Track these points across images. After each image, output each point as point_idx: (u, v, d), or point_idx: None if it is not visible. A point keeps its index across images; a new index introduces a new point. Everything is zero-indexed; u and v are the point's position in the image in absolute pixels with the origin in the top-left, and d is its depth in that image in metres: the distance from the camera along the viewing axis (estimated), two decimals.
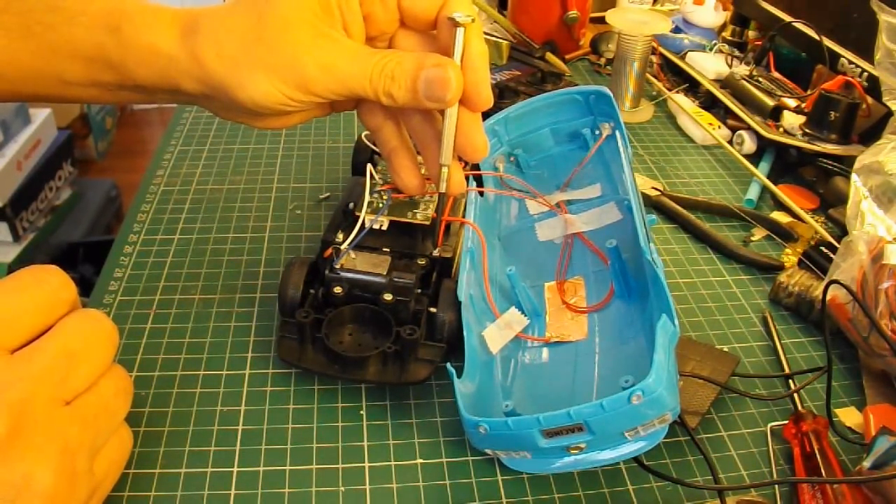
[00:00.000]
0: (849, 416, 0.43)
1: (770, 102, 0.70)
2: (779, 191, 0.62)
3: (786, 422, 0.41)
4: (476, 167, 0.52)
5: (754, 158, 0.68)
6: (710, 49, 0.83)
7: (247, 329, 0.47)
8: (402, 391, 0.43)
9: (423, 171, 0.43)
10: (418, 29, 0.40)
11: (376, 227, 0.46)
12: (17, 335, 0.30)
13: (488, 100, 0.38)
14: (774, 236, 0.58)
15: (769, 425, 0.42)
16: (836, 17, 0.72)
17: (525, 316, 0.44)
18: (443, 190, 0.40)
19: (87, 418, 0.30)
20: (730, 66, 0.78)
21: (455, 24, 0.36)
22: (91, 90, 0.41)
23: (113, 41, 0.38)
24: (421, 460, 0.39)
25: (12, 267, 1.49)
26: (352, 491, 0.37)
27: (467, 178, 0.50)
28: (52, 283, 0.32)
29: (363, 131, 0.57)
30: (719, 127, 0.72)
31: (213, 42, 0.37)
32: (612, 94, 0.50)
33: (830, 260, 0.51)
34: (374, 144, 0.47)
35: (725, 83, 0.76)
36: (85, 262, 1.54)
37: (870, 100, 0.65)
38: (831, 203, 0.61)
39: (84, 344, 0.31)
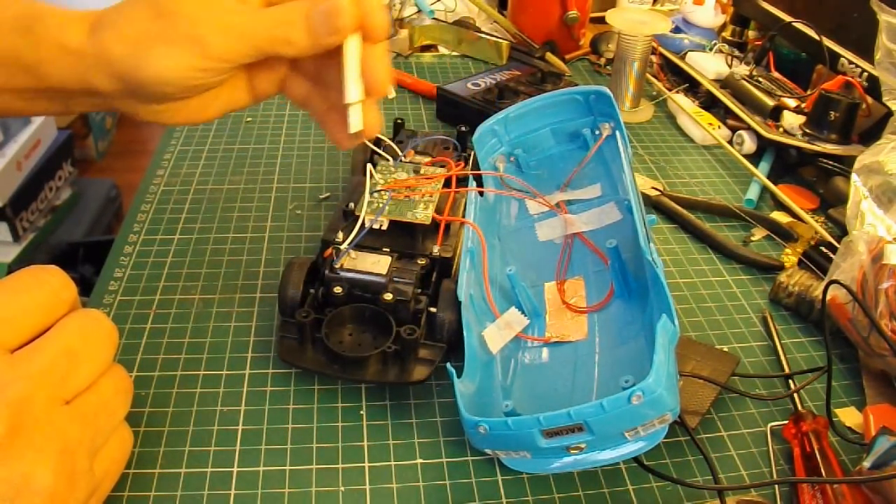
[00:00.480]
0: (849, 416, 0.43)
1: (770, 102, 0.70)
2: (779, 191, 0.62)
3: (786, 422, 0.41)
4: (476, 167, 0.52)
5: (754, 158, 0.68)
6: (710, 49, 0.84)
7: (247, 329, 0.47)
8: (402, 391, 0.43)
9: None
10: None
11: (376, 227, 0.46)
12: (17, 335, 0.30)
13: (383, 27, 0.38)
14: (774, 236, 0.58)
15: (769, 425, 0.42)
16: (836, 17, 0.72)
17: (525, 316, 0.44)
18: (352, 130, 0.39)
19: (86, 418, 0.30)
20: (730, 66, 0.78)
21: None
22: (7, 97, 0.41)
23: (26, 42, 0.39)
24: (421, 460, 0.39)
25: (12, 267, 1.49)
26: (352, 491, 0.37)
27: (467, 178, 0.50)
28: (53, 283, 0.32)
29: None
30: (719, 127, 0.72)
31: (115, 30, 0.38)
32: (612, 94, 0.50)
33: (830, 260, 0.51)
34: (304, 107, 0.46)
35: (725, 83, 0.76)
36: (85, 262, 1.54)
37: (870, 100, 0.65)
38: (831, 203, 0.61)
39: (84, 343, 0.31)
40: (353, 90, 0.38)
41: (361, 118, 0.39)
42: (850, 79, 0.66)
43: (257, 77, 0.43)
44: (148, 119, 0.42)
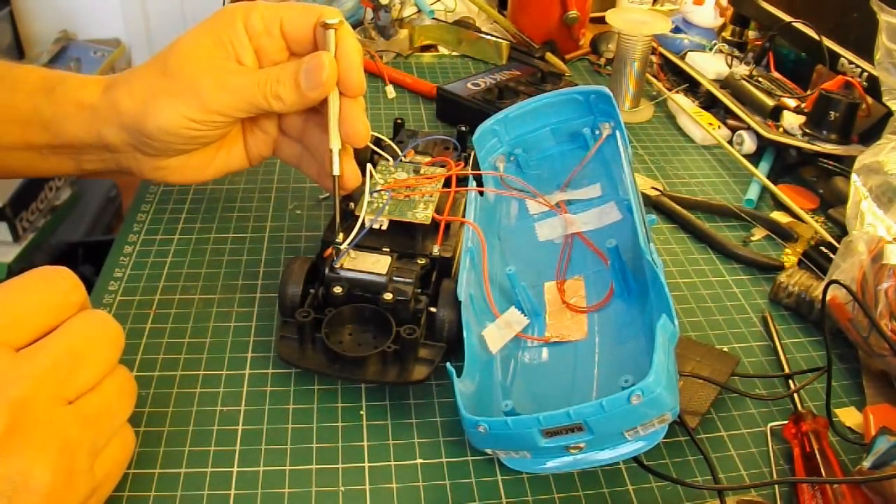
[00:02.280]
0: (849, 416, 0.43)
1: (770, 102, 0.70)
2: (779, 191, 0.62)
3: (786, 422, 0.41)
4: (476, 167, 0.52)
5: (754, 158, 0.68)
6: (710, 49, 0.84)
7: (247, 329, 0.47)
8: (402, 391, 0.43)
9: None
10: (304, 54, 0.44)
11: (376, 226, 0.46)
12: (23, 334, 0.30)
13: (361, 84, 0.44)
14: (774, 236, 0.58)
15: (769, 425, 0.42)
16: (836, 17, 0.72)
17: (525, 316, 0.44)
18: (335, 172, 0.45)
19: (88, 418, 0.30)
20: (730, 66, 0.78)
21: (326, 26, 0.42)
22: (25, 154, 0.46)
23: (46, 102, 0.44)
24: (421, 460, 0.39)
25: (12, 267, 1.48)
26: (352, 491, 0.37)
27: (467, 178, 0.50)
28: (62, 284, 0.32)
29: None
30: (719, 127, 0.72)
31: (126, 88, 0.43)
32: (612, 94, 0.50)
33: (830, 260, 0.51)
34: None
35: (725, 83, 0.76)
36: (85, 262, 1.54)
37: (870, 100, 0.65)
38: (831, 203, 0.61)
39: (89, 344, 0.31)
40: (334, 138, 0.44)
41: (338, 164, 0.45)
42: (850, 79, 0.66)
43: (252, 139, 0.49)
44: (152, 177, 0.47)
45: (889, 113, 0.56)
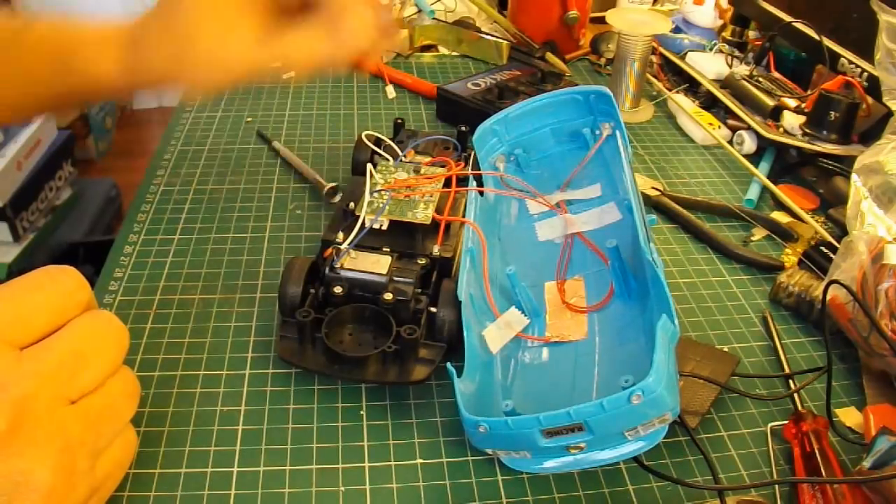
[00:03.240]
0: (849, 416, 0.43)
1: (770, 102, 0.70)
2: (779, 191, 0.62)
3: (786, 422, 0.41)
4: (476, 167, 0.52)
5: (754, 158, 0.68)
6: (710, 49, 0.84)
7: (247, 329, 0.47)
8: (402, 391, 0.43)
9: None
10: None
11: (376, 226, 0.46)
12: (28, 333, 0.30)
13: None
14: (774, 236, 0.58)
15: (769, 425, 0.42)
16: (836, 17, 0.72)
17: (525, 316, 0.44)
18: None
19: (90, 418, 0.30)
20: (730, 66, 0.78)
21: None
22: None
23: (59, 80, 0.44)
24: (421, 460, 0.39)
25: (12, 267, 1.48)
26: (352, 491, 0.37)
27: (467, 178, 0.50)
28: (68, 284, 0.32)
29: (363, 131, 0.57)
30: (719, 127, 0.72)
31: (143, 75, 0.43)
32: (612, 94, 0.50)
33: (830, 260, 0.51)
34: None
35: (725, 83, 0.76)
36: (85, 262, 1.53)
37: (870, 100, 0.65)
38: (831, 203, 0.61)
39: (94, 345, 0.31)
40: None
41: None
42: (850, 79, 0.66)
43: None
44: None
45: (889, 113, 0.56)
